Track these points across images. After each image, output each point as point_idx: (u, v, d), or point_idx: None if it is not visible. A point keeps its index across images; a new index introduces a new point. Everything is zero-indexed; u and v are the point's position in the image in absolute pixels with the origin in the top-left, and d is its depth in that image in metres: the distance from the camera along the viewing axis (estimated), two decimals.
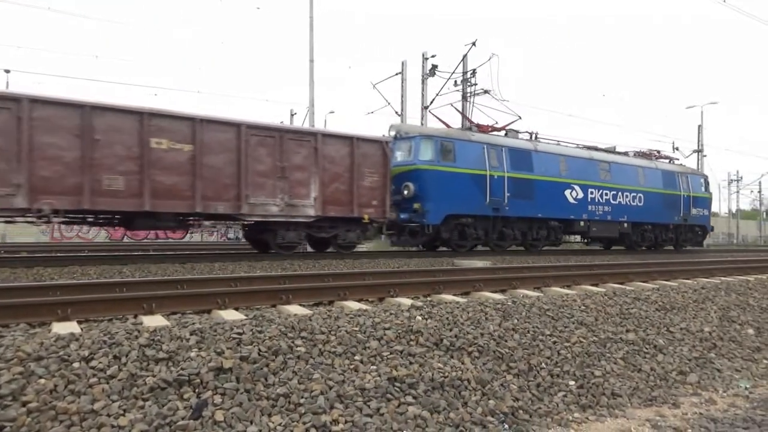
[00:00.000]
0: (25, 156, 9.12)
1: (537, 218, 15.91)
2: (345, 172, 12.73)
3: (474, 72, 22.13)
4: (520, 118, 17.06)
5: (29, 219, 9.69)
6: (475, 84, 22.17)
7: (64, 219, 10.33)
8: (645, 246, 20.03)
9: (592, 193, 17.20)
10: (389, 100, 23.32)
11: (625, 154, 20.30)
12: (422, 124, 22.48)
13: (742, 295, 7.39)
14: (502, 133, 16.49)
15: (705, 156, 36.37)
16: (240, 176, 11.28)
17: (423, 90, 22.75)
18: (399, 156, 14.30)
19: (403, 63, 22.64)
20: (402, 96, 22.67)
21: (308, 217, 12.29)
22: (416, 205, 13.61)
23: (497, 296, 6.22)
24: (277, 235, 12.23)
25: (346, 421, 3.10)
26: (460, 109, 20.55)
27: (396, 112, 22.78)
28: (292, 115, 34.04)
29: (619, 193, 18.16)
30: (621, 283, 8.01)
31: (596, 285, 7.70)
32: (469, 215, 14.47)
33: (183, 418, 2.86)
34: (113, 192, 9.94)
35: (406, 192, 13.74)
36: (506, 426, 3.45)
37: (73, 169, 9.56)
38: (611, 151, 19.64)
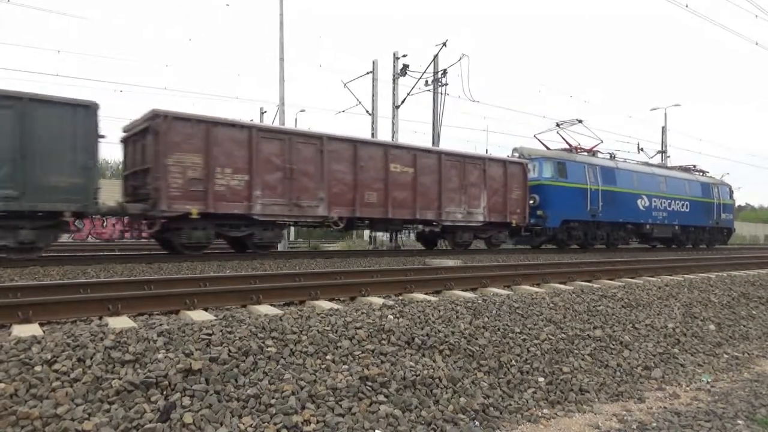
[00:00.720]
0: (325, 178, 12.67)
1: (618, 222, 19.78)
2: (501, 188, 16.50)
3: (445, 72, 22.29)
4: (602, 141, 21.24)
5: (326, 224, 13.29)
6: (446, 84, 22.35)
7: (343, 225, 13.48)
8: (690, 245, 24.12)
9: (654, 201, 21.07)
10: (360, 100, 23.28)
11: (669, 168, 24.83)
12: (393, 123, 22.54)
13: (704, 292, 7.61)
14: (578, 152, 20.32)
15: (669, 157, 37.29)
16: (440, 192, 14.98)
17: (394, 89, 22.78)
18: None
19: (374, 62, 22.63)
20: (373, 95, 22.66)
21: (479, 222, 16.03)
22: (540, 212, 17.48)
23: (468, 295, 6.27)
24: (456, 235, 15.89)
25: (317, 421, 3.08)
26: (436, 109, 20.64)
27: (367, 111, 22.76)
28: (262, 113, 33.72)
29: (673, 202, 22.11)
30: (588, 281, 8.16)
31: (564, 283, 7.83)
32: (576, 220, 18.32)
33: (150, 421, 2.80)
34: (370, 204, 13.59)
35: (532, 202, 17.48)
36: (477, 423, 3.48)
37: (349, 187, 13.16)
38: (663, 166, 24.74)
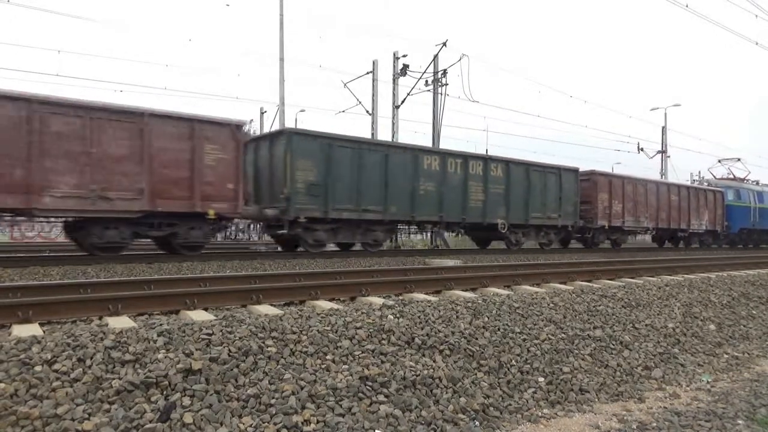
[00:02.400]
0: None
1: (763, 229, 28.36)
2: (701, 207, 24.36)
3: (445, 72, 22.29)
4: (750, 172, 30.96)
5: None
6: (446, 84, 22.35)
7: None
8: None
9: None
10: (360, 100, 23.29)
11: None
12: (393, 123, 22.55)
13: (704, 292, 7.61)
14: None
15: (669, 157, 37.31)
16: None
17: (394, 89, 22.79)
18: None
19: (374, 62, 22.64)
20: (373, 95, 22.68)
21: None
22: (727, 223, 26.08)
23: (468, 295, 6.27)
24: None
25: (317, 421, 3.08)
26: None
27: (367, 111, 22.78)
28: (262, 113, 33.71)
29: None
30: (588, 281, 8.16)
31: (564, 283, 7.83)
32: (746, 228, 27.19)
33: (151, 421, 2.80)
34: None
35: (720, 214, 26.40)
36: (477, 423, 3.48)
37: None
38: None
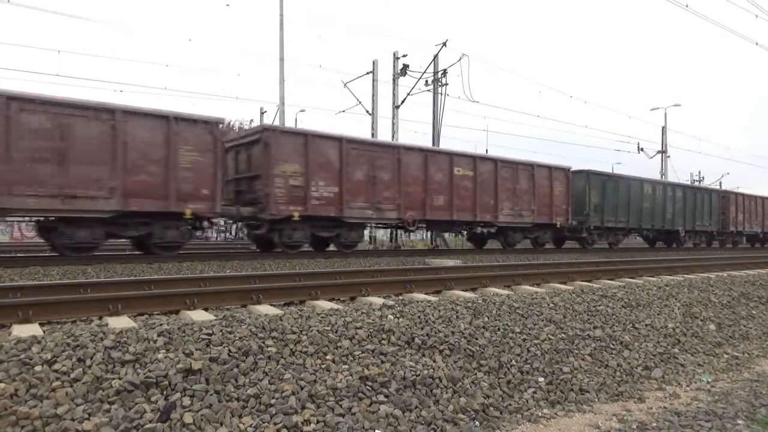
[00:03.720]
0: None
1: None
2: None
3: (445, 72, 22.30)
4: None
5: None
6: (446, 84, 22.35)
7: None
8: None
9: None
10: (360, 100, 23.29)
11: None
12: (393, 123, 22.55)
13: (704, 292, 7.61)
14: None
15: (669, 157, 37.31)
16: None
17: (394, 89, 22.80)
18: None
19: (374, 62, 22.64)
20: (373, 95, 22.69)
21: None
22: None
23: (468, 295, 6.27)
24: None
25: (317, 421, 3.08)
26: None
27: (367, 111, 22.78)
28: (262, 113, 33.74)
29: None
30: (588, 281, 8.16)
31: (564, 283, 7.82)
32: None
33: (151, 421, 2.80)
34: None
35: None
36: (477, 423, 3.48)
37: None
38: None
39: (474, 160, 16.18)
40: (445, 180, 15.34)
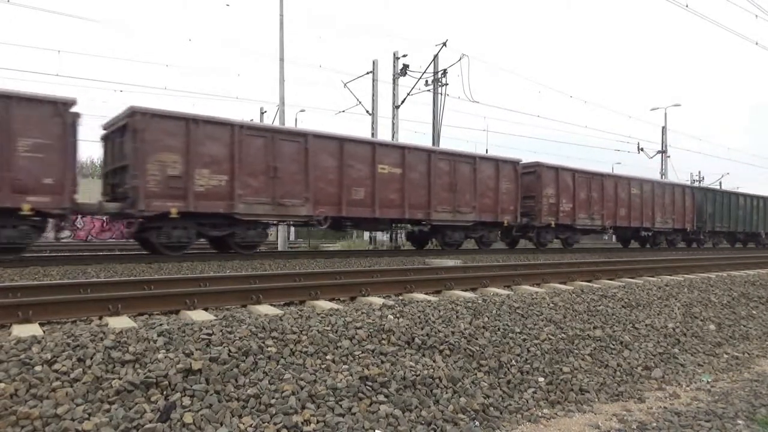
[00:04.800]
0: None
1: None
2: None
3: (445, 72, 22.28)
4: None
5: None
6: (446, 84, 22.34)
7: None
8: None
9: None
10: (360, 99, 23.28)
11: None
12: (393, 123, 22.54)
13: (704, 292, 7.61)
14: None
15: (669, 157, 37.29)
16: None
17: (394, 89, 22.78)
18: None
19: (374, 62, 22.62)
20: (373, 95, 22.66)
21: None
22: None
23: (468, 295, 6.27)
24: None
25: (317, 421, 3.08)
26: None
27: (367, 111, 22.76)
28: (262, 113, 33.74)
29: None
30: (588, 281, 8.16)
31: (564, 283, 7.82)
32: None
33: (150, 421, 2.80)
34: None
35: None
36: (477, 423, 3.48)
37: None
38: None
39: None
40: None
